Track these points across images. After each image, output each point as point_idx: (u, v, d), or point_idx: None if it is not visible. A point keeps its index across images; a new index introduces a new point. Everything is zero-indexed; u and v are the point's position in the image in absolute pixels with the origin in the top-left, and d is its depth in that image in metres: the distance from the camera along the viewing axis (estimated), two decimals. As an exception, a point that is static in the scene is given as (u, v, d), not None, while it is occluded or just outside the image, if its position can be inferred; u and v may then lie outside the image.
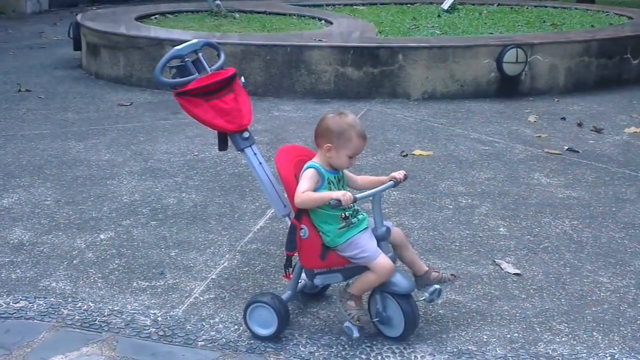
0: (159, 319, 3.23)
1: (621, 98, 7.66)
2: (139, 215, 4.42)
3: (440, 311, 3.31)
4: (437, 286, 3.03)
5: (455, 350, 3.00)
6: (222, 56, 3.14)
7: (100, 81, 8.41)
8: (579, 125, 6.54)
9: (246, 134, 3.05)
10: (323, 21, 9.79)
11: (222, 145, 3.09)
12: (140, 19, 9.72)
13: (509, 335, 3.13)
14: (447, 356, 2.95)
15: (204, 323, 3.20)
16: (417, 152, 5.64)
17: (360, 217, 2.96)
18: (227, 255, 3.89)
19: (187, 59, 3.01)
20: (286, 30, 9.21)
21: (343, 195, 2.75)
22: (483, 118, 6.81)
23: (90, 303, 3.37)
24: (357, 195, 2.83)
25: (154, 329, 3.14)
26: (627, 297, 3.48)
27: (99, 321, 3.21)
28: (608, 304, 3.41)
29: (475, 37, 8.47)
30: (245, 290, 3.49)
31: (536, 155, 5.66)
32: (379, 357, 2.94)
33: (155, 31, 8.66)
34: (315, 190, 2.87)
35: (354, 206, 2.92)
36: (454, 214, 4.48)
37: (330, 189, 2.90)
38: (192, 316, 3.26)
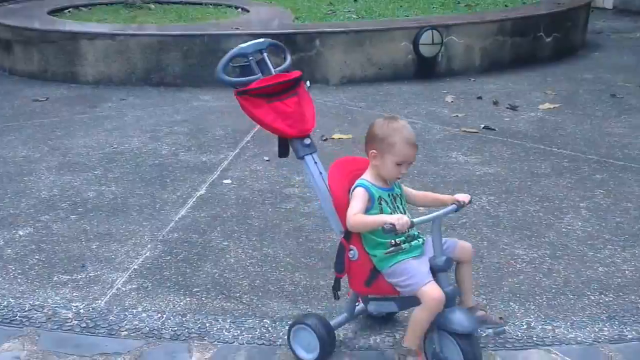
0: (81, 311, 3.18)
1: (535, 75, 7.92)
2: (58, 210, 4.30)
3: (364, 289, 3.37)
4: (492, 329, 2.77)
5: (377, 327, 3.04)
6: (288, 58, 2.94)
7: (14, 77, 8.09)
8: (495, 103, 6.73)
9: (307, 141, 2.82)
10: (240, 9, 9.71)
11: (283, 151, 2.86)
12: (53, 12, 9.39)
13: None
14: (368, 333, 3.00)
15: (126, 313, 3.16)
16: (337, 135, 5.69)
17: (415, 243, 2.64)
18: (148, 246, 3.83)
19: (250, 58, 2.80)
20: (203, 19, 9.09)
21: (398, 219, 2.43)
22: (401, 100, 6.93)
23: (10, 299, 3.29)
24: (415, 220, 2.48)
25: (76, 322, 3.09)
26: (542, 267, 3.61)
27: (19, 317, 3.14)
28: (524, 274, 3.54)
29: (392, 20, 8.59)
30: (168, 279, 3.46)
31: (454, 135, 5.80)
32: (304, 337, 2.96)
33: (69, 25, 8.38)
34: (366, 211, 2.58)
35: (409, 231, 2.57)
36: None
37: (381, 210, 2.60)
38: (114, 307, 3.21)
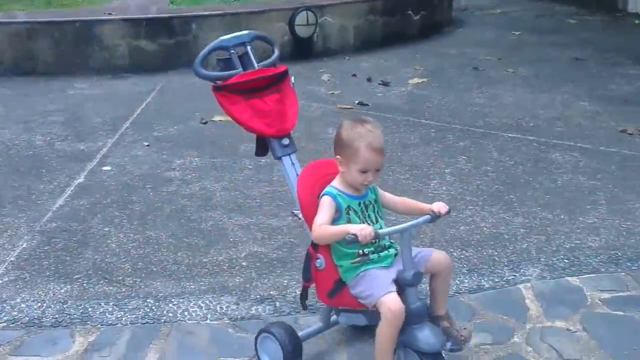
0: (-44, 307, 3.11)
1: (405, 52, 8.29)
2: None
3: (244, 263, 3.50)
4: (449, 344, 2.52)
5: (258, 297, 3.20)
6: (276, 52, 2.76)
7: None
8: (369, 80, 7.00)
9: (286, 141, 2.66)
10: (113, -6, 9.48)
11: (260, 151, 2.70)
12: None
13: (308, 276, 3.38)
14: (250, 303, 3.14)
15: (4, 305, 3.13)
16: (217, 118, 5.75)
17: (385, 253, 2.46)
18: (25, 237, 3.77)
19: (232, 52, 2.65)
20: (74, 5, 8.82)
21: (361, 230, 2.24)
22: (280, 80, 7.07)
23: None
24: (381, 231, 2.33)
25: (-50, 318, 3.02)
26: (478, 221, 3.89)
27: None
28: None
29: (267, 2, 8.67)
30: (47, 269, 3.44)
31: (330, 111, 6.01)
32: (186, 313, 3.06)
33: None
34: (333, 222, 2.40)
35: (378, 241, 2.43)
36: (254, 174, 4.67)
37: (349, 221, 2.40)
38: (-9, 301, 3.17)
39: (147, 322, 2.99)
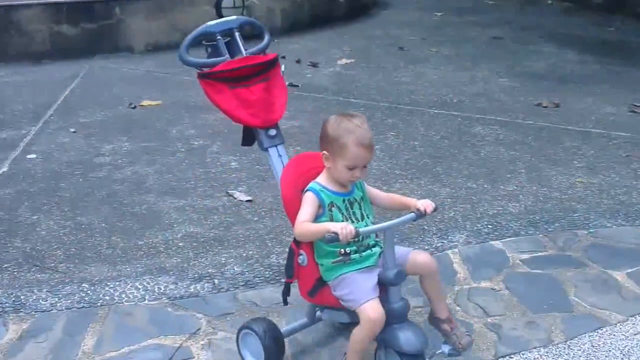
0: None
1: (333, 34, 8.37)
2: None
3: (180, 244, 3.52)
4: (448, 349, 2.47)
5: (196, 275, 3.23)
6: (266, 38, 2.63)
7: None
8: (298, 62, 7.05)
9: (273, 132, 2.55)
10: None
11: (246, 141, 2.62)
12: None
13: (244, 254, 3.43)
14: (188, 282, 3.17)
15: None
16: (146, 102, 5.70)
17: (368, 253, 2.38)
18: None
19: (219, 38, 2.53)
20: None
21: (342, 228, 2.15)
22: (208, 64, 7.04)
23: None
24: (362, 230, 2.23)
25: None
26: (406, 193, 3.91)
27: None
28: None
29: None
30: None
31: (260, 93, 6.04)
32: (123, 296, 3.07)
33: None
34: (316, 218, 2.32)
35: (362, 239, 2.34)
36: (187, 156, 4.67)
37: (332, 218, 2.32)
38: None
39: (83, 307, 2.98)
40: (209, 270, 3.27)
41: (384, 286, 2.29)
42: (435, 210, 2.35)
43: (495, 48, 7.74)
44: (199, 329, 2.82)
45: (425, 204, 2.34)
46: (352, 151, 2.26)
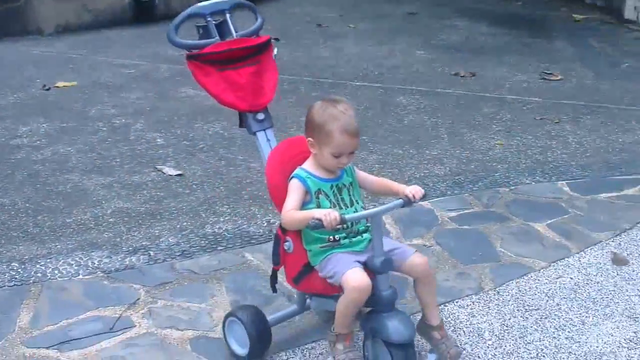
0: None
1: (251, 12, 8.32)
2: None
3: (111, 219, 3.46)
4: (434, 358, 2.38)
5: (130, 248, 3.19)
6: (259, 20, 2.57)
7: None
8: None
9: (261, 116, 2.48)
10: None
11: (242, 123, 2.54)
12: None
13: (178, 226, 3.40)
14: (123, 255, 3.13)
15: None
16: (61, 84, 5.51)
17: (358, 239, 2.30)
18: None
19: (209, 19, 2.46)
20: None
21: (326, 215, 2.08)
22: (124, 44, 6.87)
23: None
24: (347, 216, 2.15)
25: None
26: None
27: None
28: (260, 183, 3.88)
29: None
30: None
31: (181, 72, 5.91)
32: (56, 272, 2.98)
33: None
34: (304, 205, 2.24)
35: (351, 225, 2.26)
36: (109, 135, 4.57)
37: (319, 205, 2.23)
38: None
39: (14, 285, 2.89)
40: (144, 243, 3.23)
41: (372, 274, 2.20)
42: (424, 197, 2.26)
43: (410, 23, 7.92)
44: (138, 299, 2.79)
45: (414, 190, 2.26)
46: (337, 138, 2.19)
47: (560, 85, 5.63)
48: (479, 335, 2.59)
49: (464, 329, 2.61)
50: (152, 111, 4.99)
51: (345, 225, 2.19)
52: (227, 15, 2.53)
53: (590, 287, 2.89)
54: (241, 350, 2.43)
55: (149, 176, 3.96)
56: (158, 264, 3.06)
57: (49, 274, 2.96)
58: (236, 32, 2.51)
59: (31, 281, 2.91)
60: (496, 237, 3.28)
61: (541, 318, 2.69)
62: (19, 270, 3.00)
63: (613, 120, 4.80)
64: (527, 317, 2.69)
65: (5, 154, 4.24)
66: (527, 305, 2.77)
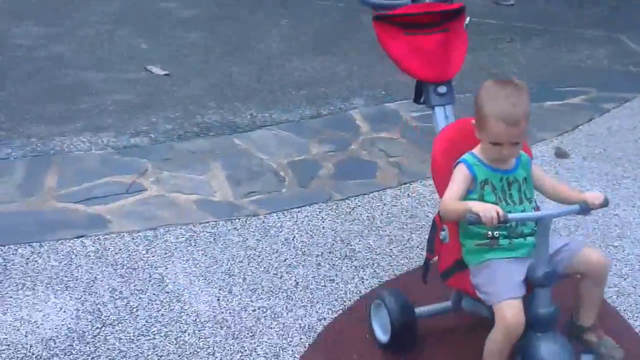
0: None
1: None
2: None
3: (111, 108, 3.88)
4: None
5: (133, 131, 3.63)
6: None
7: None
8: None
9: (443, 89, 2.28)
10: None
11: (418, 97, 2.36)
12: None
13: (172, 116, 3.84)
14: (128, 136, 3.58)
15: None
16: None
17: (520, 241, 1.99)
18: None
19: None
20: None
21: (486, 210, 1.84)
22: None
23: None
24: (511, 215, 1.88)
25: None
26: (253, 77, 4.41)
27: None
28: (240, 83, 4.33)
29: None
30: None
31: None
32: (72, 147, 3.41)
33: None
34: (467, 195, 1.99)
35: (514, 226, 1.98)
36: (97, 39, 4.93)
37: (482, 197, 1.98)
38: None
39: (37, 155, 3.32)
40: (144, 128, 3.67)
41: (530, 286, 1.93)
42: (605, 204, 1.95)
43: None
44: (147, 169, 3.25)
45: (594, 197, 1.95)
46: (492, 125, 1.92)
47: (513, 9, 6.12)
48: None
49: (428, 203, 3.10)
50: (134, 20, 5.32)
51: (507, 225, 1.93)
52: None
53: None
54: (384, 337, 2.23)
55: (140, 75, 4.36)
56: (159, 144, 3.52)
57: (65, 149, 3.40)
58: None
59: (52, 152, 3.34)
60: (450, 132, 3.82)
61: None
62: (38, 144, 3.42)
63: (560, 41, 5.34)
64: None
65: (6, 51, 4.59)
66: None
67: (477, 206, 1.88)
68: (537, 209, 2.07)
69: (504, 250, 1.97)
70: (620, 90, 4.36)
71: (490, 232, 1.96)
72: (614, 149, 3.62)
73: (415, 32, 2.26)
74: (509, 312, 1.85)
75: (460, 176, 1.98)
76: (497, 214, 1.82)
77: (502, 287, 1.89)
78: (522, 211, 1.99)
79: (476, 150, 2.02)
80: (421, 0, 2.34)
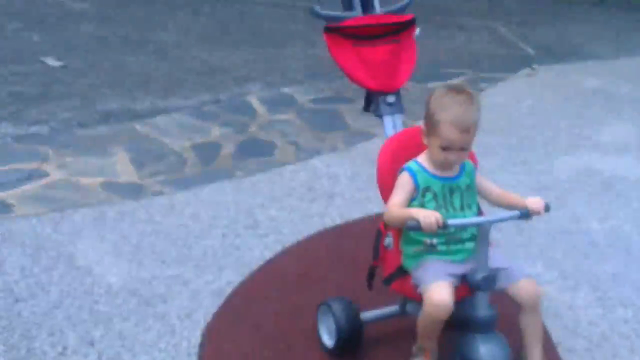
0: None
1: None
2: None
3: (7, 100, 3.85)
4: None
5: (32, 120, 3.63)
6: None
7: None
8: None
9: (391, 99, 2.31)
10: None
11: (366, 105, 2.46)
12: None
13: (71, 105, 3.87)
14: (26, 126, 3.58)
15: None
16: None
17: (459, 247, 2.02)
18: None
19: None
20: None
21: (425, 216, 1.87)
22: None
23: None
24: (450, 221, 1.90)
25: None
26: (149, 65, 4.50)
27: None
28: (137, 71, 4.39)
29: None
30: None
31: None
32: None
33: None
34: (410, 202, 2.01)
35: (453, 231, 1.99)
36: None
37: (423, 204, 2.00)
38: None
39: None
40: (42, 117, 3.69)
41: (471, 289, 1.97)
42: (546, 209, 1.99)
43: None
44: (49, 156, 3.28)
45: (535, 203, 1.99)
46: (444, 130, 1.94)
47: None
48: (335, 178, 3.29)
49: (324, 176, 3.31)
50: (25, 13, 5.24)
51: (444, 230, 1.93)
52: None
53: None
54: (329, 342, 2.24)
55: (35, 67, 4.33)
56: (59, 132, 3.54)
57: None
58: (381, 7, 2.41)
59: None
60: (346, 114, 4.04)
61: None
62: None
63: (442, 29, 5.73)
64: (372, 167, 3.48)
65: None
66: (372, 159, 3.53)
67: (417, 212, 1.91)
68: (481, 214, 2.09)
69: (440, 253, 2.01)
70: (494, 71, 4.80)
71: (428, 240, 1.99)
72: (489, 122, 3.95)
73: (363, 44, 2.31)
74: (436, 292, 1.90)
75: (402, 183, 2.02)
76: (437, 220, 1.86)
77: (433, 275, 1.94)
78: (463, 218, 2.02)
79: (420, 158, 2.05)
80: (372, 11, 2.41)
